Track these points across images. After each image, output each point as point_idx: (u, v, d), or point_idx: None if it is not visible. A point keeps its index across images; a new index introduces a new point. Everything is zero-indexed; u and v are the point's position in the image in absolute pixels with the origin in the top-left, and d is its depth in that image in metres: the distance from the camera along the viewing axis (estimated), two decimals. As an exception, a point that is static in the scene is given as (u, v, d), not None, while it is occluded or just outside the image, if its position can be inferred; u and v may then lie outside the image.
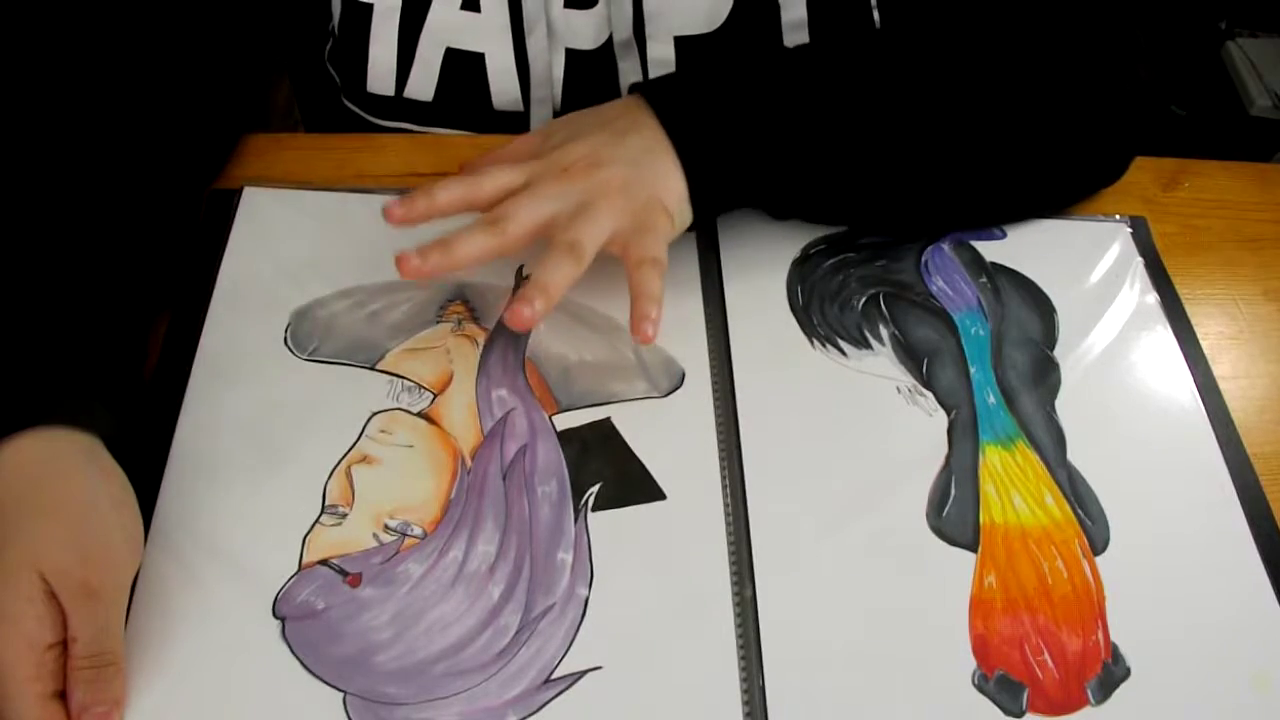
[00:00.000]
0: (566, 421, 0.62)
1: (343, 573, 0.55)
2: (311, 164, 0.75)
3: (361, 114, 0.80)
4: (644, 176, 0.63)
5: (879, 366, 0.67)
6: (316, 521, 0.57)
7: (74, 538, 0.49)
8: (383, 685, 0.52)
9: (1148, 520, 0.61)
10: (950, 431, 0.64)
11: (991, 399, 0.65)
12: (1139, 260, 0.74)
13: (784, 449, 0.62)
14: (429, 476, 0.59)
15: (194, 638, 0.53)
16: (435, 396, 0.63)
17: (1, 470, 0.51)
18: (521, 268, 0.69)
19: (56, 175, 0.61)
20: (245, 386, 0.62)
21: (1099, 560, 0.59)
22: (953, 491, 0.61)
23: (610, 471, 0.60)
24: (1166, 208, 0.78)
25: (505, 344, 0.65)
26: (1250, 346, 0.71)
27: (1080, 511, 0.61)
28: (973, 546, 0.59)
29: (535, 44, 0.74)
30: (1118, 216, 0.76)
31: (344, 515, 0.57)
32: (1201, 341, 0.70)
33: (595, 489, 0.60)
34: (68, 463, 0.51)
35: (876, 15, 0.74)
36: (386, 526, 0.57)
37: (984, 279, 0.72)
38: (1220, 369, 0.69)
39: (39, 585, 0.48)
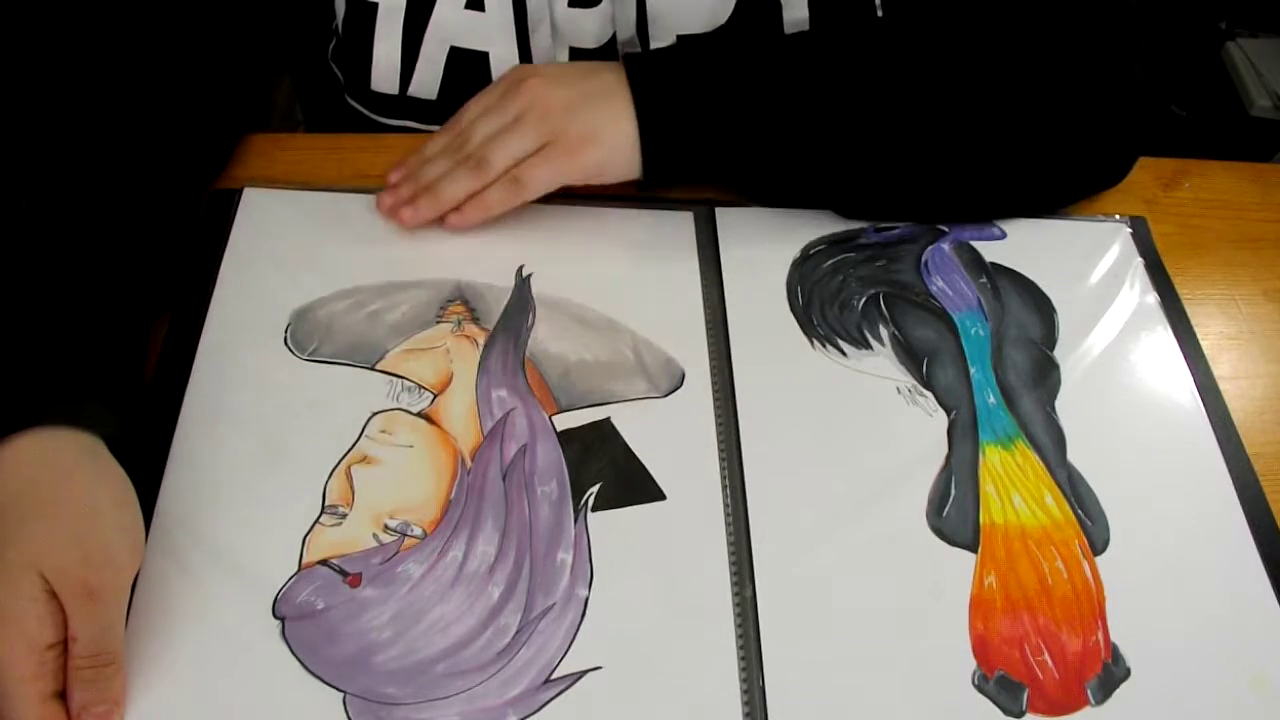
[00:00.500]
0: (566, 422, 0.62)
1: (343, 573, 0.55)
2: (312, 164, 0.75)
3: (365, 112, 0.80)
4: (588, 110, 0.67)
5: (879, 366, 0.67)
6: (316, 521, 0.57)
7: (75, 538, 0.49)
8: (383, 685, 0.52)
9: (1148, 520, 0.61)
10: (950, 432, 0.64)
11: (991, 399, 0.65)
12: (1139, 260, 0.74)
13: (784, 449, 0.62)
14: (429, 477, 0.59)
15: (194, 638, 0.53)
16: (435, 397, 0.63)
17: (2, 469, 0.51)
18: (521, 268, 0.69)
19: (57, 175, 0.61)
20: (245, 386, 0.62)
21: (1099, 560, 0.59)
22: (953, 492, 0.61)
23: (610, 472, 0.60)
24: (1166, 208, 0.78)
25: (505, 344, 0.65)
26: (1250, 346, 0.71)
27: (1080, 512, 0.61)
28: (973, 547, 0.59)
29: (539, 43, 0.75)
30: (1118, 216, 0.77)
31: (344, 515, 0.57)
32: (1201, 341, 0.70)
33: (595, 489, 0.60)
34: (68, 462, 0.51)
35: (880, 14, 0.74)
36: (386, 527, 0.57)
37: (984, 279, 0.72)
38: (1220, 369, 0.69)
39: (40, 585, 0.48)
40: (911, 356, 0.67)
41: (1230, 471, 0.64)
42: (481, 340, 0.65)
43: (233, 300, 0.66)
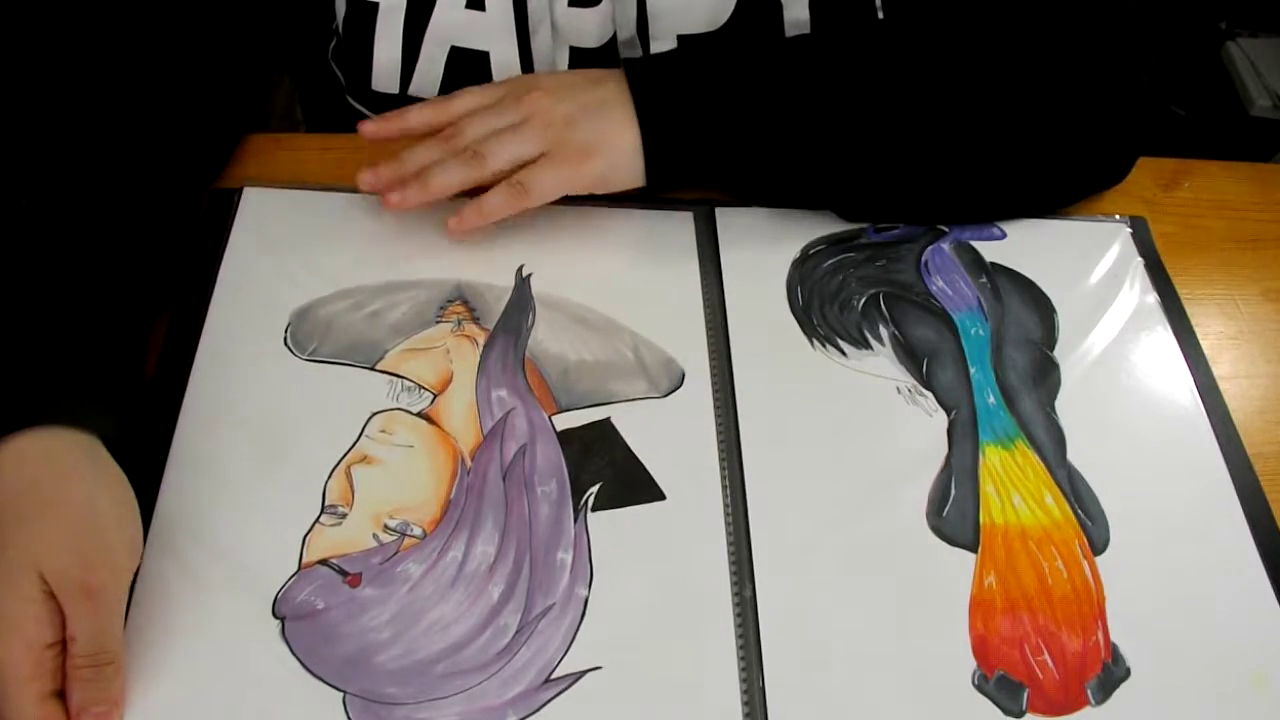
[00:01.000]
0: (566, 421, 0.62)
1: (342, 572, 0.55)
2: (311, 164, 0.75)
3: (365, 112, 0.80)
4: (591, 120, 0.66)
5: (879, 366, 0.67)
6: (316, 521, 0.57)
7: (73, 538, 0.49)
8: (382, 685, 0.52)
9: (1147, 520, 0.61)
10: (950, 431, 0.64)
11: (991, 399, 0.65)
12: (1139, 260, 0.74)
13: (784, 449, 0.62)
14: (429, 476, 0.59)
15: (193, 637, 0.53)
16: (435, 396, 0.63)
17: (1, 469, 0.51)
18: (521, 267, 0.69)
19: (57, 175, 0.61)
20: (245, 386, 0.62)
21: (1099, 560, 0.59)
22: (953, 491, 0.61)
23: (610, 471, 0.60)
24: (1166, 208, 0.78)
25: (505, 344, 0.65)
26: (1250, 346, 0.71)
27: (1080, 512, 0.61)
28: (973, 547, 0.59)
29: (540, 43, 0.75)
30: (1117, 216, 0.76)
31: (344, 515, 0.57)
32: (1201, 341, 0.70)
33: (595, 489, 0.60)
34: (67, 462, 0.51)
35: (880, 15, 0.74)
36: (386, 526, 0.57)
37: (984, 279, 0.72)
38: (1220, 369, 0.69)
39: (38, 585, 0.48)
40: (911, 356, 0.67)
41: (1230, 471, 0.63)
42: (481, 340, 0.65)
43: (233, 300, 0.66)
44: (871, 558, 0.58)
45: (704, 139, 0.68)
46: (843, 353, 0.67)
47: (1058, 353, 0.68)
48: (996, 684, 0.54)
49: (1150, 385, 0.67)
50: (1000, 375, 0.67)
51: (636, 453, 0.61)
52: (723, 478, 0.61)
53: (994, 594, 0.57)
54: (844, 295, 0.70)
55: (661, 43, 0.75)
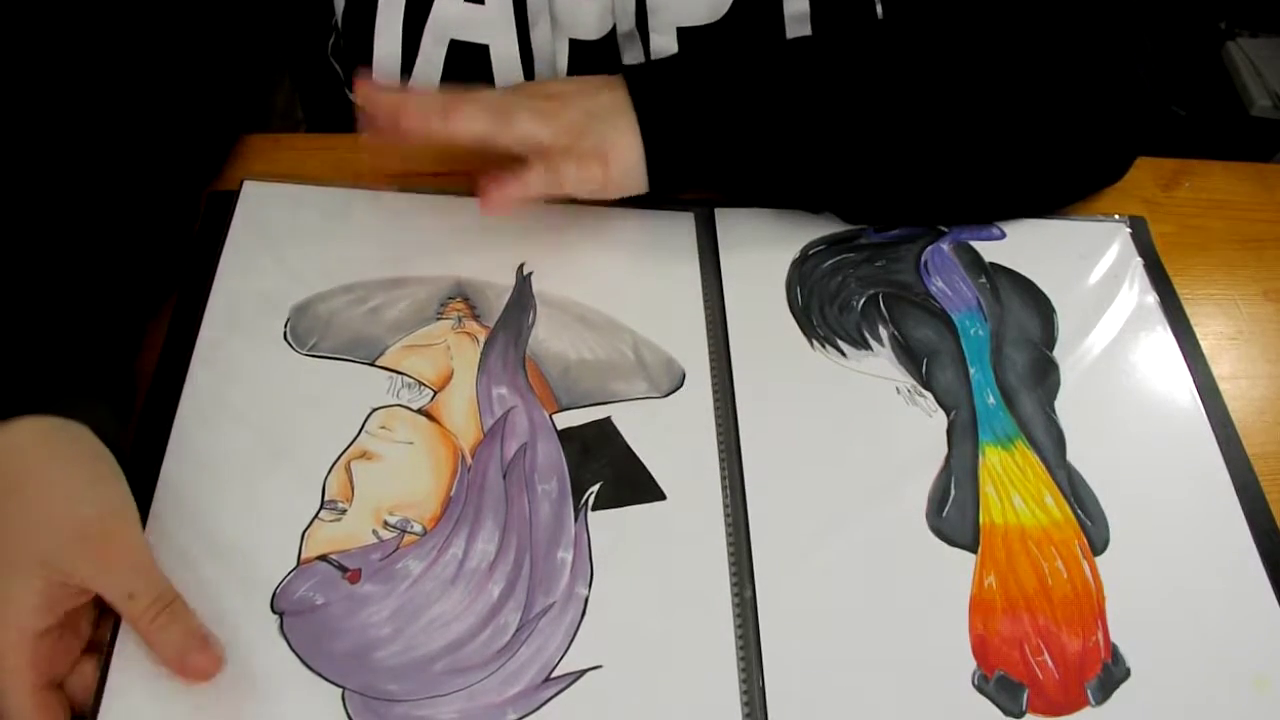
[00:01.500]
0: (567, 421, 0.62)
1: (342, 569, 0.55)
2: (311, 163, 0.75)
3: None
4: (598, 128, 0.66)
5: (878, 367, 0.67)
6: (316, 517, 0.57)
7: (64, 518, 0.49)
8: (382, 682, 0.52)
9: (1147, 521, 0.61)
10: (950, 432, 0.64)
11: (991, 399, 0.65)
12: (1138, 260, 0.74)
13: (784, 449, 0.62)
14: (429, 473, 0.59)
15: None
16: (435, 393, 0.63)
17: None
18: (522, 265, 0.69)
19: (55, 173, 0.61)
20: (245, 381, 0.62)
21: (1099, 561, 0.59)
22: (952, 492, 0.61)
23: (610, 471, 0.60)
24: (1166, 208, 0.78)
25: (506, 342, 0.65)
26: (1250, 346, 0.71)
27: (1080, 512, 0.61)
28: (972, 547, 0.59)
29: (539, 35, 0.75)
30: (1117, 216, 0.77)
31: (343, 511, 0.57)
32: (1201, 342, 0.70)
33: (595, 488, 0.60)
34: (50, 450, 0.52)
35: (879, 9, 0.74)
36: (386, 523, 0.57)
37: (983, 279, 0.72)
38: (1220, 369, 0.69)
39: (39, 574, 0.48)
40: (911, 357, 0.67)
41: (1230, 471, 0.64)
42: (482, 338, 0.65)
43: (232, 295, 0.66)
44: (871, 558, 0.58)
45: (705, 145, 0.68)
46: (842, 353, 0.67)
47: (1057, 353, 0.68)
48: (996, 684, 0.54)
49: (1150, 385, 0.67)
50: (1000, 375, 0.67)
51: (637, 452, 0.61)
52: (723, 478, 0.61)
53: (994, 594, 0.57)
54: (843, 296, 0.70)
55: (661, 35, 0.75)
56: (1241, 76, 1.83)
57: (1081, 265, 0.73)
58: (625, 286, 0.69)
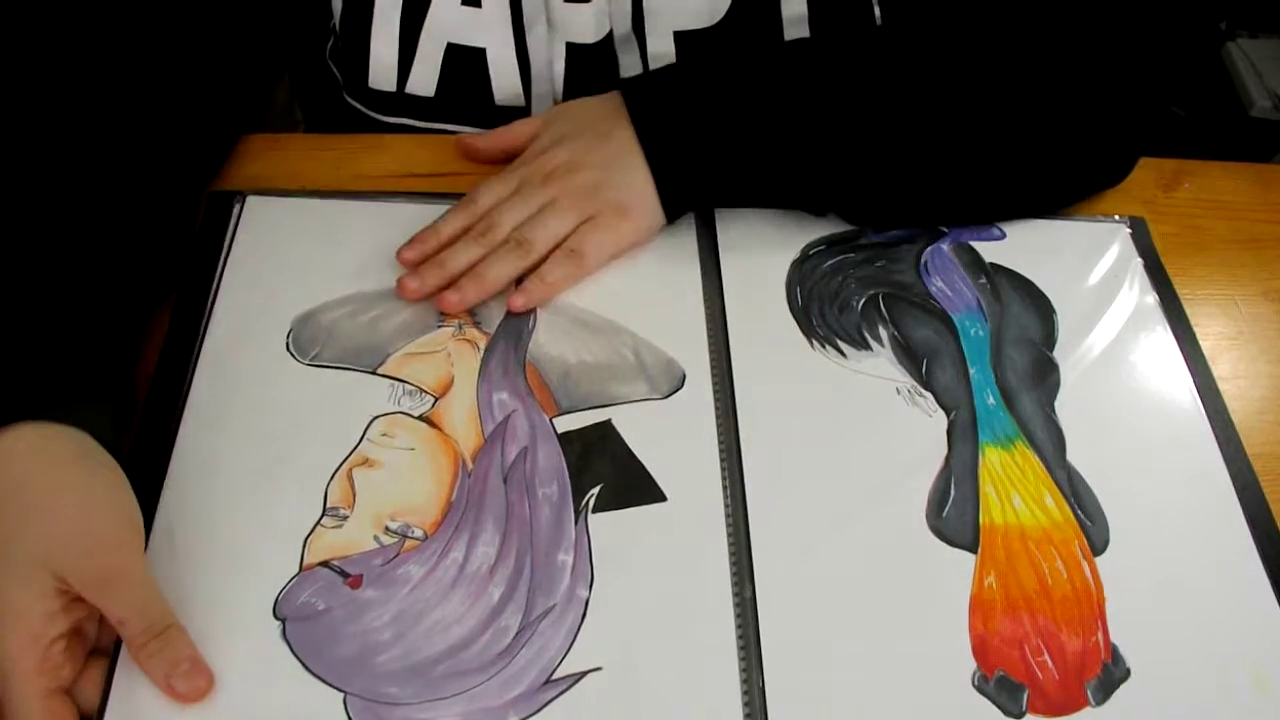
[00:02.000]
0: (567, 424, 0.62)
1: (343, 574, 0.56)
2: (311, 164, 0.75)
3: (363, 110, 0.80)
4: (615, 180, 0.68)
5: (878, 367, 0.67)
6: (317, 524, 0.57)
7: (76, 530, 0.49)
8: (383, 686, 0.52)
9: (1147, 521, 0.61)
10: (950, 432, 0.64)
11: (991, 399, 0.65)
12: (1138, 261, 0.74)
13: (784, 450, 0.62)
14: (430, 479, 0.59)
15: (195, 638, 0.53)
16: (436, 400, 0.63)
17: None
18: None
19: (53, 172, 0.61)
20: (248, 391, 0.62)
21: (1099, 561, 0.59)
22: (952, 492, 0.61)
23: (611, 473, 0.60)
24: (1166, 208, 0.78)
25: (506, 348, 0.65)
26: (1250, 347, 0.71)
27: (1080, 512, 0.61)
28: (972, 547, 0.59)
29: (536, 39, 0.75)
30: (1117, 217, 0.77)
31: (345, 517, 0.57)
32: (1201, 342, 0.70)
33: (596, 491, 0.60)
34: (59, 454, 0.52)
35: (878, 11, 0.74)
36: (387, 529, 0.57)
37: (983, 279, 0.72)
38: (1220, 369, 0.69)
39: (50, 582, 0.48)
40: (911, 357, 0.67)
41: (1230, 472, 0.64)
42: (482, 344, 0.66)
43: (235, 307, 0.66)
44: (871, 558, 0.58)
45: (715, 177, 0.70)
46: (842, 353, 0.67)
47: (1057, 353, 0.68)
48: (996, 684, 0.54)
49: (1150, 386, 0.67)
50: (1000, 376, 0.67)
51: (637, 454, 0.61)
52: (723, 479, 0.61)
53: (994, 594, 0.57)
54: (843, 296, 0.70)
55: (658, 39, 0.75)
56: (1241, 77, 1.83)
57: (1082, 266, 0.73)
58: (625, 288, 0.69)
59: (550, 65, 0.76)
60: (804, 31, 0.75)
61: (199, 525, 0.57)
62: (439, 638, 0.54)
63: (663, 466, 0.61)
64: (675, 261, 0.71)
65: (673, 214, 0.70)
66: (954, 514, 0.60)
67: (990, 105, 0.69)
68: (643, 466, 0.61)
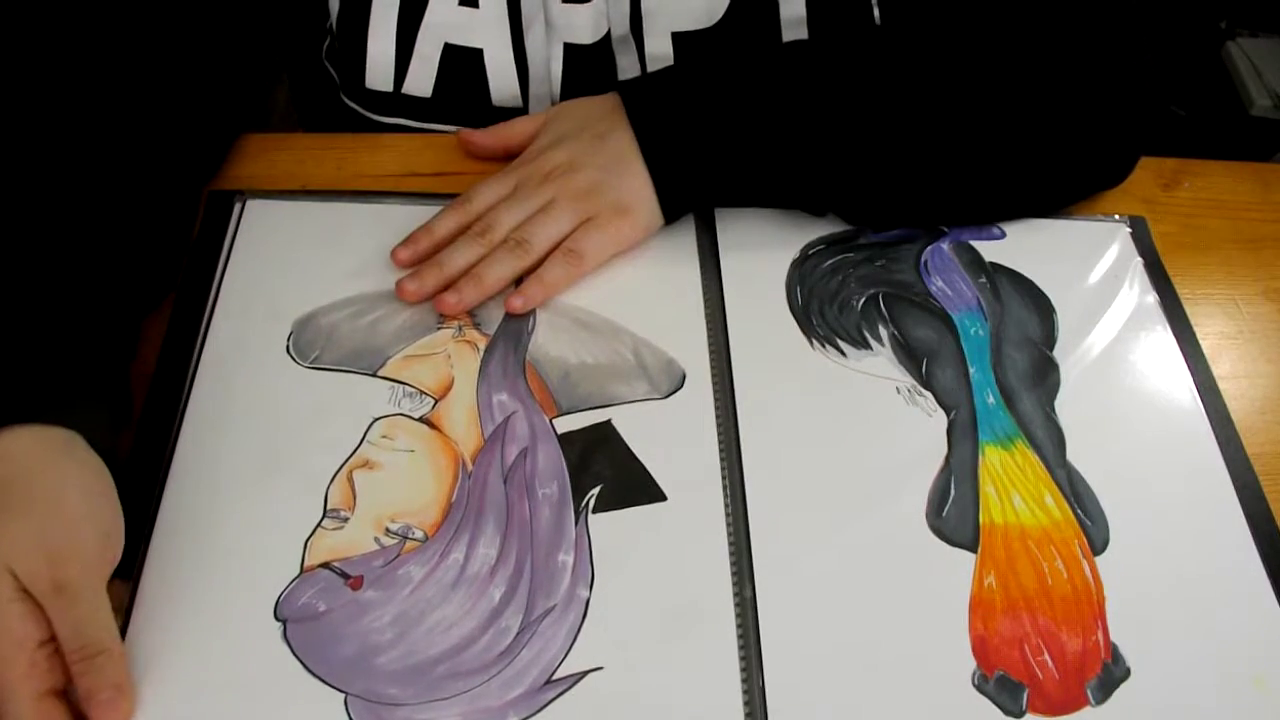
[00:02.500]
0: (567, 424, 0.62)
1: (344, 575, 0.56)
2: (311, 163, 0.75)
3: (360, 110, 0.80)
4: (613, 181, 0.68)
5: (878, 367, 0.67)
6: (318, 525, 0.57)
7: (39, 537, 0.49)
8: (384, 686, 0.52)
9: (1147, 520, 0.61)
10: (950, 432, 0.64)
11: (991, 399, 0.65)
12: (1138, 260, 0.74)
13: (784, 450, 0.62)
14: (430, 481, 0.59)
15: (196, 641, 0.53)
16: (436, 402, 0.63)
17: None
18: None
19: (51, 172, 0.61)
20: (248, 394, 0.62)
21: (1099, 560, 0.59)
22: (952, 492, 0.61)
23: (611, 473, 0.60)
24: (1166, 208, 0.78)
25: (506, 349, 0.65)
26: (1250, 346, 0.71)
27: (1080, 512, 0.61)
28: (972, 547, 0.59)
29: (533, 39, 0.75)
30: (1117, 216, 0.77)
31: (345, 519, 0.58)
32: (1201, 341, 0.70)
33: (596, 491, 0.60)
34: (35, 459, 0.51)
35: (877, 12, 0.74)
36: (388, 530, 0.57)
37: (983, 279, 0.72)
38: (1220, 369, 0.69)
39: (14, 585, 0.48)
40: (911, 356, 0.67)
41: (1230, 471, 0.64)
42: (482, 345, 0.66)
43: (235, 310, 0.66)
44: (871, 558, 0.58)
45: (714, 178, 0.70)
46: (842, 353, 0.67)
47: (1057, 353, 0.68)
48: (996, 684, 0.54)
49: (1150, 385, 0.67)
50: (1000, 375, 0.67)
51: (637, 454, 0.61)
52: (723, 478, 0.61)
53: (994, 594, 0.57)
54: (843, 295, 0.70)
55: (656, 40, 0.75)
56: (1241, 76, 1.83)
57: (1082, 265, 0.73)
58: (625, 288, 0.69)
59: (548, 66, 0.76)
60: (802, 33, 0.75)
61: (200, 527, 0.57)
62: (440, 638, 0.54)
63: (663, 466, 0.61)
64: (675, 261, 0.71)
65: (671, 215, 0.70)
66: (954, 513, 0.60)
67: (990, 106, 0.69)
68: (643, 466, 0.61)
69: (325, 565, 0.56)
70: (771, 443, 0.62)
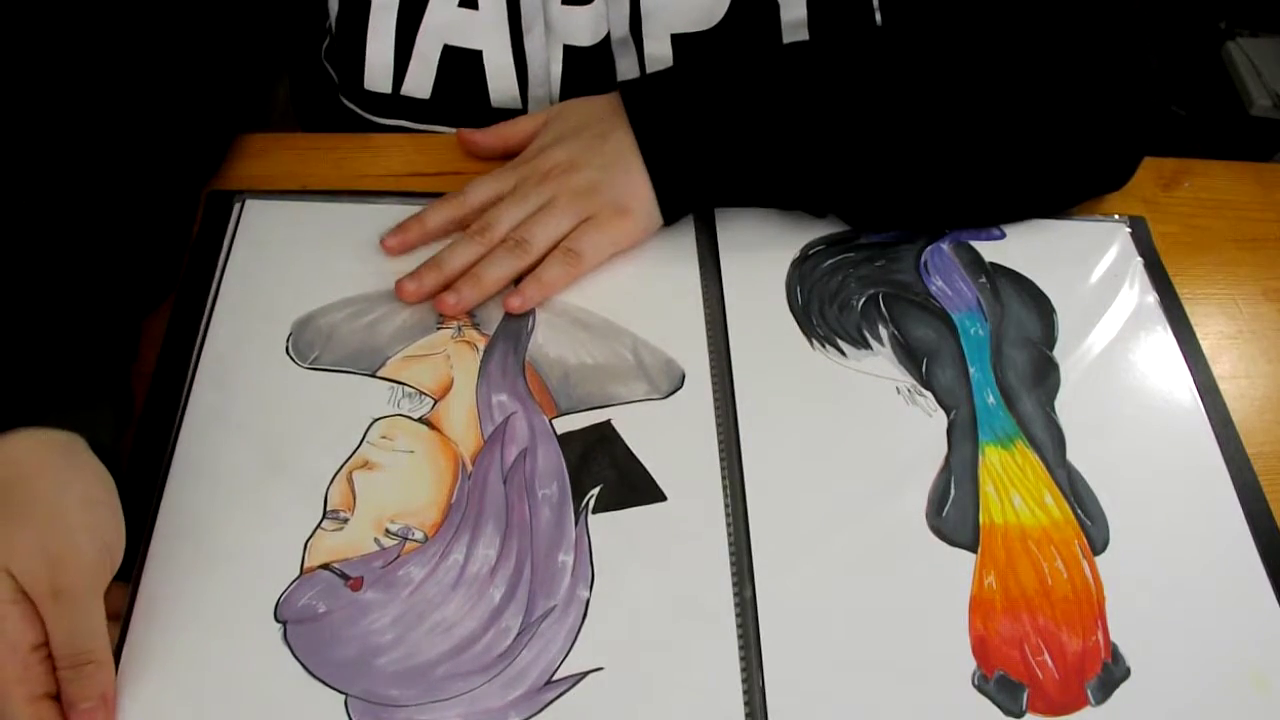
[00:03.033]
0: (567, 425, 0.62)
1: (344, 577, 0.56)
2: (311, 164, 0.75)
3: (358, 111, 0.80)
4: (613, 181, 0.68)
5: (878, 367, 0.67)
6: (318, 526, 0.57)
7: (39, 542, 0.49)
8: (384, 687, 0.52)
9: (1147, 520, 0.61)
10: (950, 432, 0.64)
11: (991, 399, 0.65)
12: (1138, 260, 0.74)
13: (784, 450, 0.62)
14: (430, 481, 0.59)
15: (196, 642, 0.53)
16: (436, 402, 0.63)
17: None
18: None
19: (50, 172, 0.61)
20: (247, 395, 0.62)
21: (1098, 560, 0.59)
22: (952, 492, 0.61)
23: (611, 474, 0.60)
24: (1166, 208, 0.78)
25: (505, 349, 0.65)
26: (1250, 346, 0.71)
27: (1080, 511, 0.61)
28: (972, 547, 0.59)
29: (533, 41, 0.75)
30: (1117, 217, 0.77)
31: (345, 520, 0.57)
32: (1201, 341, 0.70)
33: (596, 491, 0.60)
34: (37, 463, 0.51)
35: (878, 15, 0.74)
36: (388, 531, 0.57)
37: (983, 279, 0.72)
38: (1220, 369, 0.69)
39: (13, 587, 0.48)
40: (911, 356, 0.67)
41: (1230, 471, 0.64)
42: (481, 345, 0.66)
43: (234, 311, 0.66)
44: (871, 558, 0.58)
45: (714, 179, 0.70)
46: (842, 353, 0.67)
47: (1057, 353, 0.68)
48: (996, 684, 0.54)
49: (1150, 385, 0.67)
50: (1000, 375, 0.67)
51: (637, 454, 0.61)
52: (723, 478, 0.61)
53: (994, 594, 0.57)
54: (843, 295, 0.70)
55: (655, 42, 0.75)
56: (1241, 76, 1.83)
57: (1082, 265, 0.73)
58: (624, 288, 0.69)
59: (547, 68, 0.76)
60: (803, 35, 0.75)
61: (199, 529, 0.57)
62: (440, 639, 0.54)
63: (663, 466, 0.61)
64: (675, 261, 0.71)
65: (670, 216, 0.70)
66: (954, 513, 0.60)
67: (993, 107, 0.69)
68: (642, 467, 0.61)
69: (325, 566, 0.56)
70: (771, 443, 0.62)
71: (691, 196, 0.70)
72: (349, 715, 0.51)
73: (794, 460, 0.62)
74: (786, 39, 0.75)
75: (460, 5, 0.73)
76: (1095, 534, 0.60)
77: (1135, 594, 0.58)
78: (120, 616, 0.53)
